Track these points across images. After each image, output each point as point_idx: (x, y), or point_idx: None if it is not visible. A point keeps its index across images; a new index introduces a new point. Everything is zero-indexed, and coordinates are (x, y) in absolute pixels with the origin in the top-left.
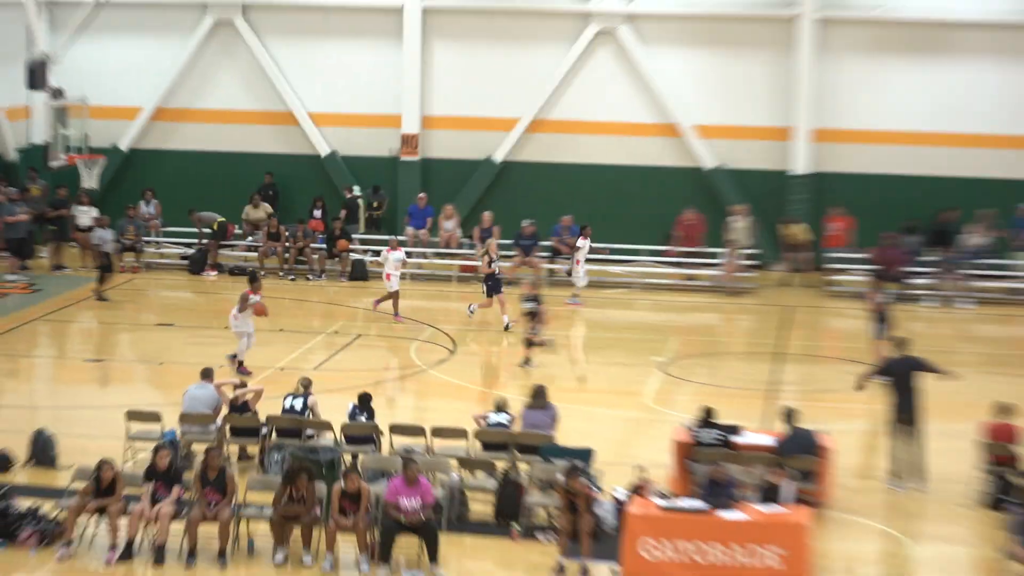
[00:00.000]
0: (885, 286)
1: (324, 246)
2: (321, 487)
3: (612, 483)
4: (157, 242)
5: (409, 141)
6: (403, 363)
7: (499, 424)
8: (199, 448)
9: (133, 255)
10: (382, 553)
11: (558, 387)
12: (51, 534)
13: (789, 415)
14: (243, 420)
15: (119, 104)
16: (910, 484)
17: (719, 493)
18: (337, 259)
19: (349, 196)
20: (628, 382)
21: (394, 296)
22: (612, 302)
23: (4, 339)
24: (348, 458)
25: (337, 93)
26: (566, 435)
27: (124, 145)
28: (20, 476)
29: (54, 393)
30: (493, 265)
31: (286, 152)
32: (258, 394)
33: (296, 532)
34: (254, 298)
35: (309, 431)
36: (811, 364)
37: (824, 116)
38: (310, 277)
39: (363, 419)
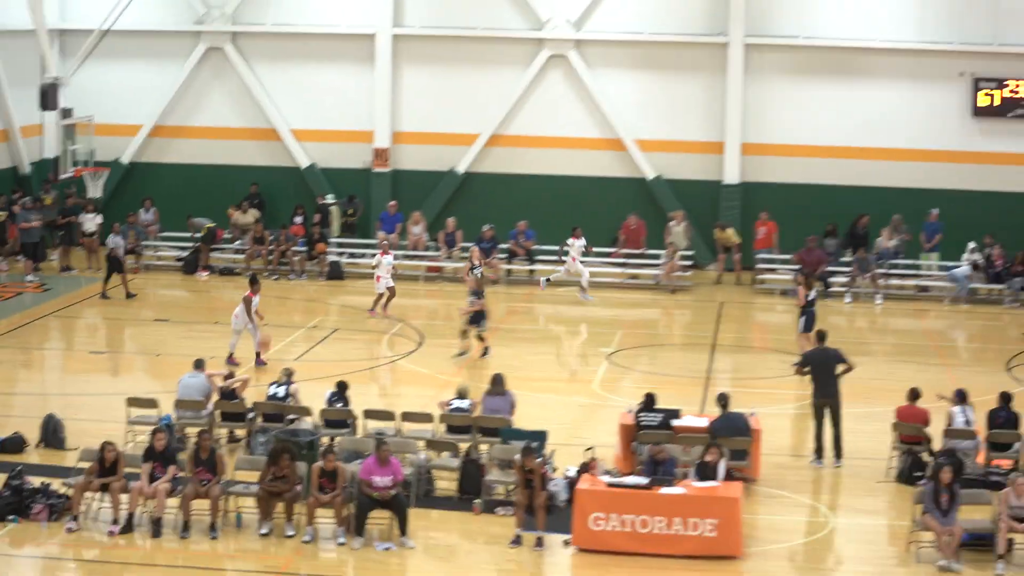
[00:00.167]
0: (813, 284)
1: (304, 249)
2: (302, 466)
3: (564, 462)
4: (155, 246)
5: (381, 154)
6: (375, 354)
7: (460, 409)
8: (192, 431)
9: (133, 257)
10: (357, 526)
11: (515, 375)
12: (60, 509)
13: (723, 400)
14: (232, 406)
15: (121, 122)
16: (831, 462)
17: (660, 471)
18: (316, 261)
19: (321, 202)
20: (578, 371)
21: (383, 295)
22: (563, 299)
23: (19, 333)
24: (326, 440)
25: (316, 111)
26: (522, 419)
27: (126, 159)
28: (32, 457)
29: (63, 382)
30: (475, 271)
31: (270, 164)
32: (245, 383)
33: (279, 507)
34: (255, 300)
35: (291, 416)
36: (742, 354)
37: (752, 132)
38: (291, 277)
39: (340, 405)
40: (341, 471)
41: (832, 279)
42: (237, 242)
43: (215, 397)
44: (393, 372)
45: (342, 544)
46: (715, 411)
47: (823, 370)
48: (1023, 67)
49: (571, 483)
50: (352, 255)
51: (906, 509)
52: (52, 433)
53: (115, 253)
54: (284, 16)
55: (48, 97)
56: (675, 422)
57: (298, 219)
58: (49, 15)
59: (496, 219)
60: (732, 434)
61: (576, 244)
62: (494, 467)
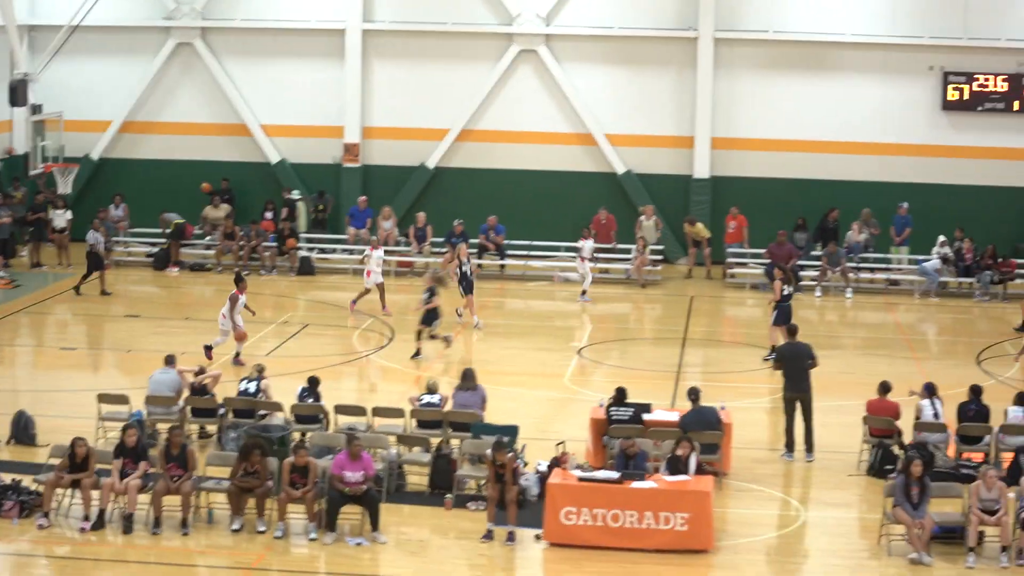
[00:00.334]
0: (792, 278)
1: (275, 244)
2: (273, 462)
3: (535, 457)
4: (125, 242)
5: (351, 149)
6: (346, 350)
7: (430, 404)
8: (163, 427)
9: (104, 254)
10: (328, 521)
11: (486, 370)
12: (31, 506)
13: (693, 394)
14: (203, 402)
15: (91, 118)
16: (801, 455)
17: (631, 465)
18: (286, 256)
19: (287, 196)
20: (549, 365)
21: (368, 291)
22: (534, 293)
23: None
24: (297, 435)
25: (286, 107)
26: (493, 413)
27: (95, 155)
28: (3, 453)
29: (33, 378)
30: (464, 268)
31: (240, 160)
32: (216, 378)
33: (251, 503)
34: (242, 298)
35: (262, 411)
36: (712, 348)
37: (722, 126)
38: (262, 272)
39: (311, 400)
40: (312, 466)
41: (802, 273)
42: (207, 238)
43: (186, 393)
44: (364, 367)
45: (313, 539)
46: (686, 405)
47: (795, 365)
48: (992, 61)
49: (542, 478)
50: (323, 250)
51: (877, 502)
52: (23, 429)
53: (95, 249)
54: (254, 11)
55: (17, 93)
56: (646, 416)
57: (268, 215)
58: (18, 11)
59: (466, 214)
60: (703, 428)
61: (586, 245)
62: (465, 462)
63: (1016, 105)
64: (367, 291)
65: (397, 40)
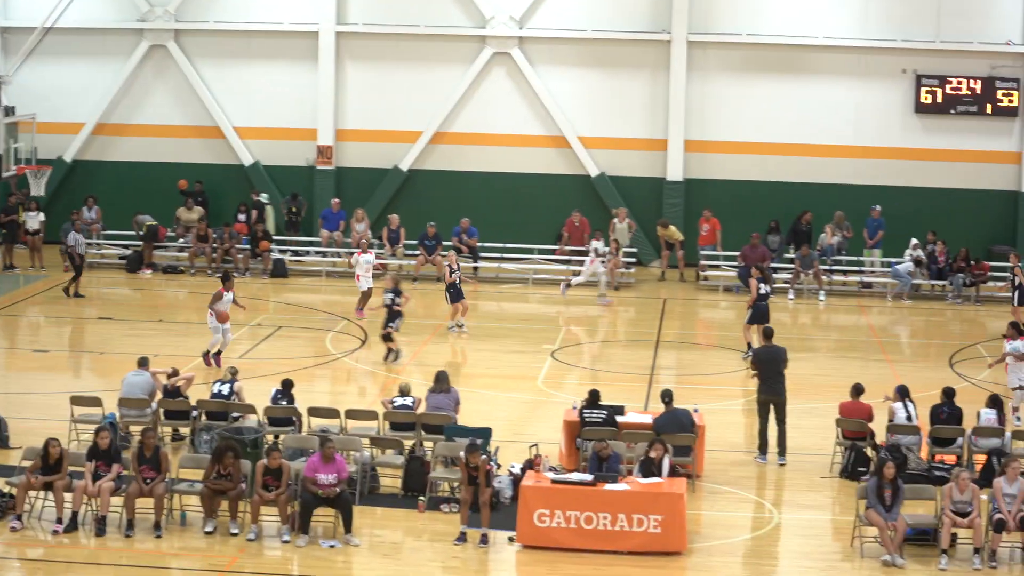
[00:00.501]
0: (769, 278)
1: (248, 247)
2: (246, 464)
3: (509, 459)
4: (98, 244)
5: (324, 152)
6: (320, 352)
7: (404, 406)
8: (136, 429)
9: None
10: (302, 524)
11: (459, 373)
12: (3, 508)
13: (666, 396)
14: (176, 404)
15: (64, 120)
16: (775, 458)
17: (604, 467)
18: (259, 258)
19: (256, 198)
20: (522, 368)
21: (365, 295)
22: (507, 296)
23: None
24: (271, 438)
25: (259, 109)
26: (467, 416)
27: (68, 157)
28: None
29: (6, 380)
30: (454, 275)
31: (214, 162)
32: (189, 381)
33: (224, 505)
34: (227, 296)
35: (235, 414)
36: (685, 350)
37: (695, 129)
38: (235, 275)
39: (284, 403)
40: (286, 469)
41: (775, 276)
42: (181, 240)
43: (159, 395)
44: (337, 369)
45: (287, 542)
46: (659, 407)
47: (770, 368)
48: (965, 64)
49: (516, 480)
50: (296, 253)
51: (850, 504)
52: None
53: (76, 251)
54: (227, 13)
55: None
56: (619, 418)
57: (242, 217)
58: None
59: (439, 216)
60: (676, 430)
61: (598, 247)
62: (439, 464)
63: (989, 108)
64: (364, 294)
65: (370, 42)
